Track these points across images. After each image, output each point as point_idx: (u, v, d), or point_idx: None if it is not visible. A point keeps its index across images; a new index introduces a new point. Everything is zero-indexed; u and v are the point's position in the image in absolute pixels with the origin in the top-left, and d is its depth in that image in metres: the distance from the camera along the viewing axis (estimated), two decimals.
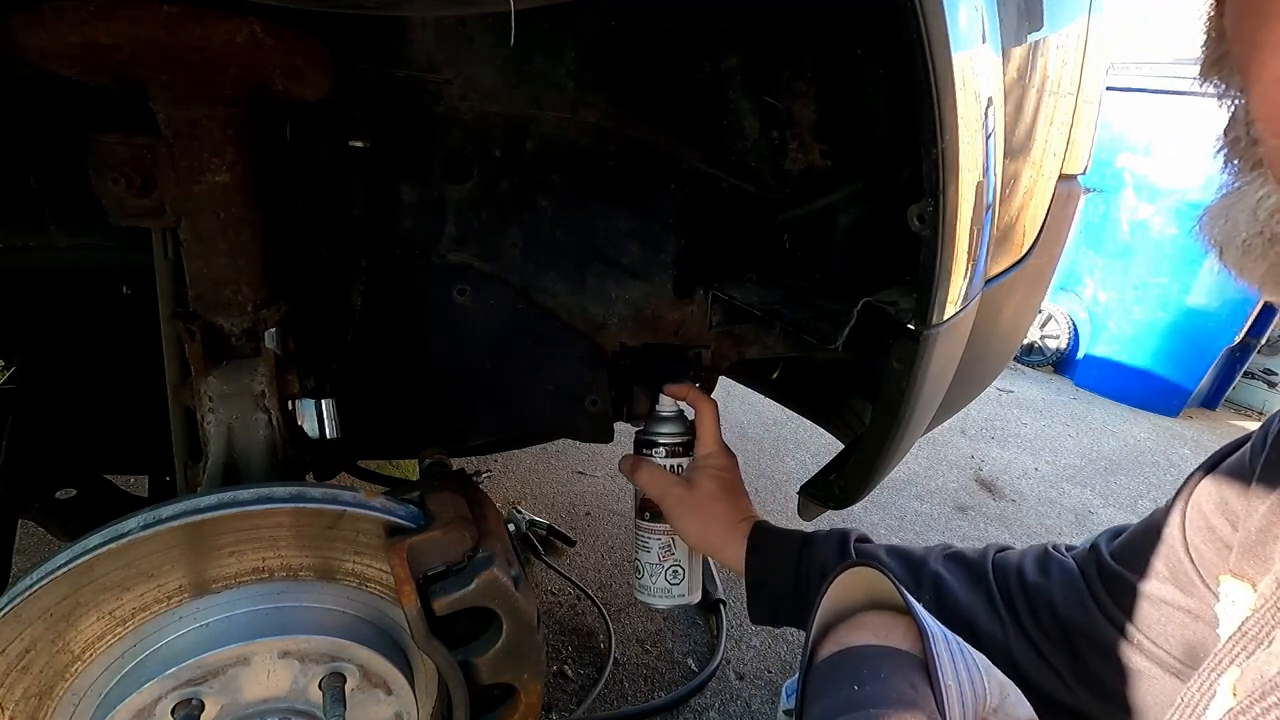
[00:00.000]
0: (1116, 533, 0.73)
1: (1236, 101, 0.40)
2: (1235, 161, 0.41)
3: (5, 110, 0.64)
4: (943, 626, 0.60)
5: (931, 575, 0.78)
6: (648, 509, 0.92)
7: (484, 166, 0.79)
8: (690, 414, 0.94)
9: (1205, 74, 0.41)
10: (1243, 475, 0.60)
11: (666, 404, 0.92)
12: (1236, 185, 0.41)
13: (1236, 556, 0.57)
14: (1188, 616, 0.64)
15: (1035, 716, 0.59)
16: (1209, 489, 0.63)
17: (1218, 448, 0.66)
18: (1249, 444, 0.62)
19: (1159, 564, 0.66)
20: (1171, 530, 0.66)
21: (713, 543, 0.87)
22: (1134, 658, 0.66)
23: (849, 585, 0.65)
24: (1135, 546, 0.69)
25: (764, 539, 0.85)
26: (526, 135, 0.78)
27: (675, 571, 0.93)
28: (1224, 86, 0.40)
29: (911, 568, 0.80)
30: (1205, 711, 0.48)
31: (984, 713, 0.56)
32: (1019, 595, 0.74)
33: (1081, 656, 0.69)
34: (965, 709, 0.54)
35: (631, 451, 0.94)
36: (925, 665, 0.56)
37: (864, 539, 0.84)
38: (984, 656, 0.60)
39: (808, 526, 0.90)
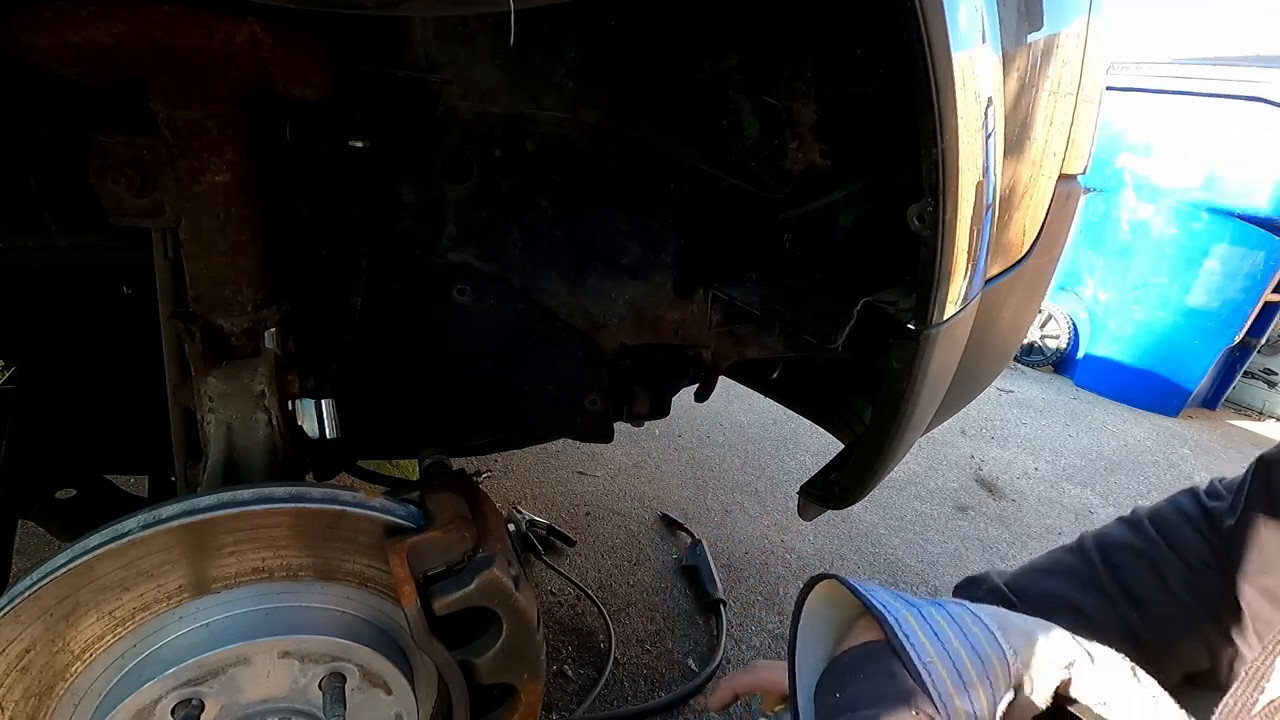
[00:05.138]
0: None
1: None
2: None
3: (5, 110, 0.64)
4: (917, 604, 0.59)
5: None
6: None
7: (484, 166, 0.78)
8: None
9: None
10: None
11: None
12: None
13: None
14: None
15: (1088, 644, 0.56)
16: None
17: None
18: None
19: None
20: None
21: None
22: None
23: (831, 615, 0.64)
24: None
25: None
26: (526, 135, 0.78)
27: None
28: None
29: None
30: (1266, 684, 0.48)
31: (1016, 670, 0.55)
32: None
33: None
34: (965, 678, 0.53)
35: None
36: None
37: None
38: (996, 611, 0.58)
39: (808, 527, 0.88)
